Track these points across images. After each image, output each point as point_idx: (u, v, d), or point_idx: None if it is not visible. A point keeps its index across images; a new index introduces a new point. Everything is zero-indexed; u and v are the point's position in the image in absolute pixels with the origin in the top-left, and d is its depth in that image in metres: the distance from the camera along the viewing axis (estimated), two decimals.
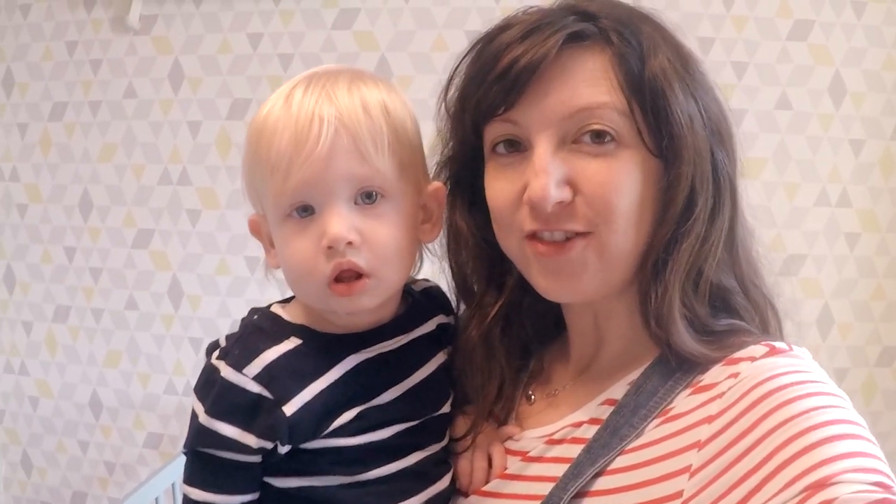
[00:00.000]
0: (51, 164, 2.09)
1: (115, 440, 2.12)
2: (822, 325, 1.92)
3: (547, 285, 0.70)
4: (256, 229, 0.74)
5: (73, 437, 2.15)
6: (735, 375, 0.63)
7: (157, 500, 1.65)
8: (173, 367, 2.07)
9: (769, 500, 0.54)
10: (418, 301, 0.78)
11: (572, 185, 0.65)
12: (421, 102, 0.75)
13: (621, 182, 0.65)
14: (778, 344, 0.66)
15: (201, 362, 2.33)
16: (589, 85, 0.65)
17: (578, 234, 0.66)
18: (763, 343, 0.66)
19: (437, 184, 0.75)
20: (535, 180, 0.64)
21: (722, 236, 0.68)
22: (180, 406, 2.09)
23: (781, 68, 1.90)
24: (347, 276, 0.66)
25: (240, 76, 1.99)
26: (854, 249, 1.94)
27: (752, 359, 0.64)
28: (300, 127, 0.64)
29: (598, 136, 0.65)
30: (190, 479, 0.69)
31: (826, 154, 1.92)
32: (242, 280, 2.04)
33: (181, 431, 2.11)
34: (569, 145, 0.66)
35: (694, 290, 0.67)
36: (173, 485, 1.71)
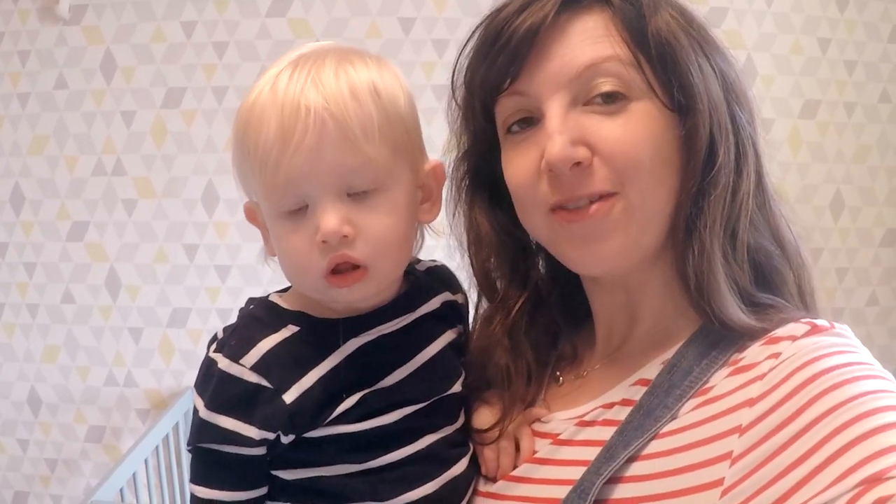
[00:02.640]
0: None
1: (55, 436, 2.08)
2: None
3: (577, 255, 0.67)
4: (252, 216, 0.72)
5: (11, 436, 2.10)
6: (776, 356, 0.59)
7: (121, 491, 1.64)
8: (113, 359, 2.05)
9: (819, 493, 0.50)
10: (420, 280, 0.76)
11: (589, 145, 0.63)
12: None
13: (638, 136, 0.63)
14: (819, 321, 0.62)
15: (141, 353, 2.32)
16: (591, 43, 0.64)
17: (602, 197, 0.64)
18: (803, 321, 0.62)
19: (434, 161, 0.72)
20: (550, 143, 0.62)
21: (751, 190, 0.65)
22: (121, 397, 2.07)
23: None
24: (344, 268, 0.64)
25: (174, 65, 1.99)
26: None
27: (794, 338, 0.60)
28: (286, 118, 0.61)
29: (609, 97, 0.63)
30: (196, 477, 0.67)
31: None
32: (181, 268, 2.04)
33: (124, 422, 2.09)
34: (580, 107, 0.64)
35: (732, 251, 0.64)
36: (134, 475, 1.72)
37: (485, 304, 0.79)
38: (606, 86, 0.63)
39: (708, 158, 0.63)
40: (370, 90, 0.64)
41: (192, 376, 2.24)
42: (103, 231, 2.03)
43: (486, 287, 0.77)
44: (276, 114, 0.61)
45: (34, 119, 2.02)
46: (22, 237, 2.05)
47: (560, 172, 0.63)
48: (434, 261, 0.80)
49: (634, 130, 0.63)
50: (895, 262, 2.15)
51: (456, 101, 0.73)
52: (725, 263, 0.64)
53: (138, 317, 2.05)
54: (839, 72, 2.06)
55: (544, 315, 0.77)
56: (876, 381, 0.56)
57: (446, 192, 0.75)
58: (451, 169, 0.75)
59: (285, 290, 0.73)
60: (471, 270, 0.77)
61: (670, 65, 0.63)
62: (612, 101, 0.63)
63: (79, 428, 2.08)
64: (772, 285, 0.68)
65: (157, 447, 1.86)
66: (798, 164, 2.08)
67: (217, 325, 2.19)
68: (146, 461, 1.79)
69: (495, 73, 0.66)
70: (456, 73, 0.72)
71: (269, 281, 2.05)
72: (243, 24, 1.98)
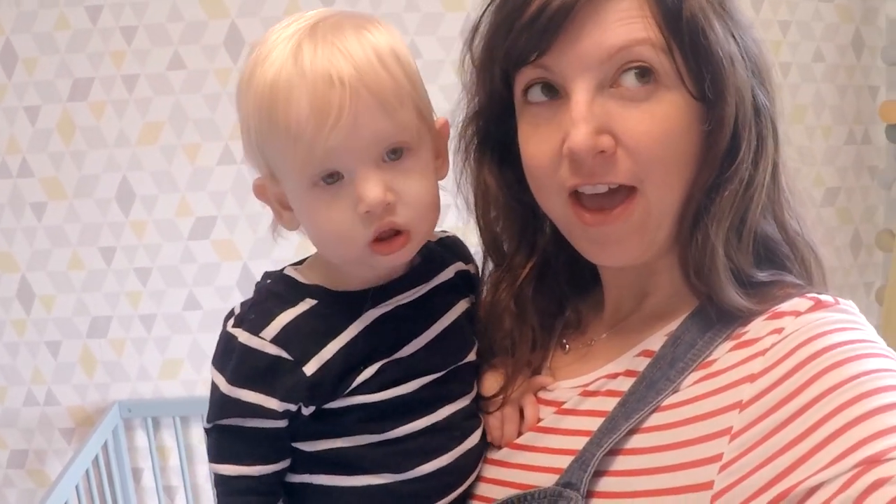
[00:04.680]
0: None
1: None
2: None
3: (594, 252, 0.68)
4: (262, 192, 0.70)
5: None
6: (779, 331, 0.59)
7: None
8: (31, 376, 1.90)
9: (818, 472, 0.50)
10: (433, 250, 0.76)
11: (613, 134, 0.61)
12: None
13: (663, 130, 0.61)
14: (823, 297, 0.62)
15: (61, 367, 2.17)
16: (625, 23, 0.61)
17: (622, 196, 0.63)
18: (808, 296, 0.62)
19: (442, 119, 0.72)
20: (574, 130, 0.61)
21: (766, 180, 0.64)
22: (43, 417, 1.91)
23: None
24: (387, 235, 0.65)
25: (80, 53, 1.84)
26: None
27: (797, 313, 0.60)
28: (319, 92, 0.60)
29: (640, 75, 0.61)
30: (218, 455, 0.67)
31: None
32: (98, 273, 1.90)
33: (48, 444, 1.94)
34: (607, 90, 0.62)
35: (737, 239, 0.64)
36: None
37: (490, 268, 0.79)
38: (637, 63, 0.61)
39: (728, 152, 0.63)
40: (393, 55, 0.64)
41: (117, 389, 2.11)
42: (11, 239, 1.88)
43: (493, 249, 0.78)
44: (307, 89, 0.60)
45: None
46: None
47: (582, 161, 0.62)
48: (445, 231, 0.81)
49: (661, 123, 0.62)
50: (836, 221, 2.15)
51: (473, 62, 0.71)
52: (728, 252, 0.64)
53: (55, 329, 1.90)
54: (773, 32, 2.04)
55: (551, 281, 0.78)
56: (879, 360, 0.55)
57: (454, 151, 0.75)
58: (460, 128, 0.75)
59: (300, 263, 0.74)
60: (478, 232, 0.77)
61: (703, 54, 0.61)
62: (642, 80, 0.62)
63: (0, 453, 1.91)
64: (777, 267, 0.67)
65: (87, 471, 1.72)
66: None
67: (141, 332, 2.06)
68: (77, 487, 1.64)
69: (522, 45, 0.63)
70: (478, 35, 0.70)
71: (193, 282, 1.92)
72: (152, 5, 1.85)
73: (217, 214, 1.91)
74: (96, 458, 1.79)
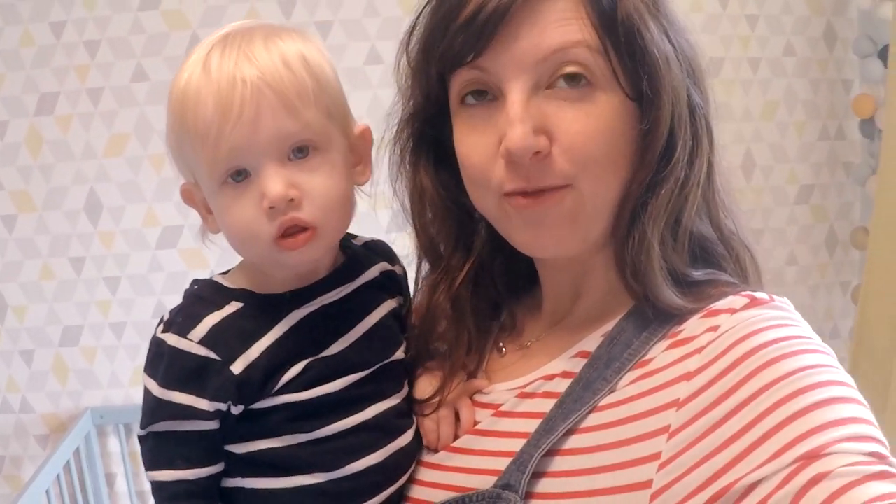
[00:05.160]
0: None
1: None
2: None
3: (527, 240, 0.67)
4: (190, 197, 0.73)
5: None
6: (714, 329, 0.60)
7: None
8: (6, 384, 1.94)
9: (756, 468, 0.50)
10: (358, 252, 0.78)
11: (548, 133, 0.62)
12: (356, 71, 0.71)
13: (599, 129, 0.62)
14: (759, 294, 0.62)
15: (35, 376, 2.21)
16: (560, 25, 0.61)
17: (556, 187, 0.63)
18: (742, 294, 0.62)
19: (362, 125, 0.74)
20: (511, 129, 0.61)
21: (701, 180, 0.65)
22: (18, 424, 1.96)
23: None
24: (293, 231, 0.66)
25: (45, 69, 1.88)
26: None
27: (732, 311, 0.60)
28: (223, 93, 0.63)
29: (573, 79, 0.62)
30: (154, 462, 0.69)
31: None
32: (69, 283, 1.93)
33: (24, 450, 1.98)
34: (543, 91, 0.62)
35: (673, 239, 0.64)
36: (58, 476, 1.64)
37: (426, 271, 0.79)
38: (571, 68, 0.62)
39: (664, 152, 0.63)
40: (301, 59, 0.66)
41: (89, 396, 2.14)
42: None
43: (429, 252, 0.77)
44: (212, 91, 0.63)
45: None
46: None
47: (519, 161, 0.62)
48: (373, 237, 0.83)
49: (597, 122, 0.62)
50: (810, 219, 2.11)
51: (409, 63, 0.72)
52: (664, 251, 0.64)
53: (28, 338, 1.94)
54: (741, 27, 2.00)
55: (487, 283, 0.78)
56: (814, 356, 0.55)
57: (391, 154, 0.76)
58: (395, 130, 0.75)
59: (227, 273, 0.75)
60: (414, 235, 0.77)
61: (638, 54, 0.61)
62: (576, 85, 0.62)
63: None
64: (712, 267, 0.68)
65: (58, 475, 1.75)
66: None
67: (112, 340, 2.08)
68: (48, 492, 1.68)
69: (458, 47, 0.63)
70: (414, 37, 0.70)
71: (161, 290, 1.95)
72: (115, 19, 1.88)
73: (184, 224, 1.94)
74: (68, 463, 1.82)
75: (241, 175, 0.66)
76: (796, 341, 0.57)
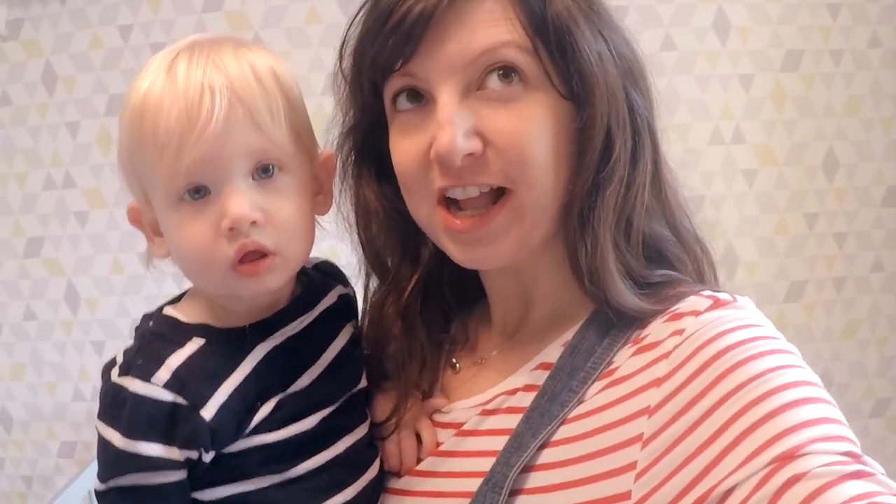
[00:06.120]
0: None
1: (29, 453, 2.08)
2: (727, 265, 1.88)
3: (462, 256, 0.66)
4: (136, 218, 0.69)
5: None
6: (679, 332, 0.59)
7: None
8: (78, 373, 2.04)
9: (731, 473, 0.50)
10: (312, 277, 0.74)
11: (482, 136, 0.61)
12: (301, 78, 0.70)
13: (533, 130, 0.61)
14: (721, 295, 0.62)
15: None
16: (488, 26, 0.61)
17: (494, 197, 0.62)
18: (705, 294, 0.62)
19: (326, 152, 0.71)
20: (440, 132, 0.60)
21: (647, 180, 0.64)
22: (90, 412, 2.05)
23: (663, 9, 1.85)
24: (252, 257, 0.62)
25: (114, 70, 1.94)
26: (753, 186, 1.90)
27: (696, 313, 0.60)
28: (190, 100, 0.59)
29: (504, 76, 0.61)
30: None
31: (716, 92, 1.88)
32: (137, 277, 2.00)
33: (94, 437, 2.07)
34: (474, 93, 0.62)
35: (626, 241, 0.64)
36: (89, 492, 1.67)
37: (374, 287, 0.77)
38: (501, 63, 0.61)
39: (604, 151, 0.62)
40: (271, 74, 0.63)
41: None
42: (58, 245, 2.01)
43: (376, 266, 0.76)
44: (178, 98, 0.59)
45: None
46: None
47: (450, 164, 0.61)
48: (317, 257, 0.78)
49: (529, 122, 0.61)
50: None
51: (343, 75, 0.71)
52: (619, 255, 0.63)
53: (99, 330, 2.03)
54: (822, 16, 1.86)
55: (437, 295, 0.76)
56: (781, 356, 0.55)
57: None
58: (335, 144, 0.74)
59: (177, 300, 0.70)
60: (360, 249, 0.76)
61: (569, 53, 0.61)
62: (507, 81, 0.61)
63: (51, 444, 2.07)
64: (668, 267, 0.67)
65: None
66: (784, 121, 1.89)
67: None
68: None
69: (387, 53, 0.63)
70: (345, 45, 0.69)
71: None
72: (179, 21, 1.92)
73: None
74: None
75: (199, 192, 0.61)
76: (763, 342, 0.56)
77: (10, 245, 2.02)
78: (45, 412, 2.07)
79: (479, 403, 0.69)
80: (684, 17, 1.86)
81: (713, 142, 1.88)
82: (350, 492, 0.67)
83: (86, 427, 2.06)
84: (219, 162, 0.60)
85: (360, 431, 0.70)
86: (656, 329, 0.61)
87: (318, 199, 0.70)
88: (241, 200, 0.60)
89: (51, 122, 1.97)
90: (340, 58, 0.70)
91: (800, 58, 1.88)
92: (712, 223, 1.87)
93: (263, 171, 0.62)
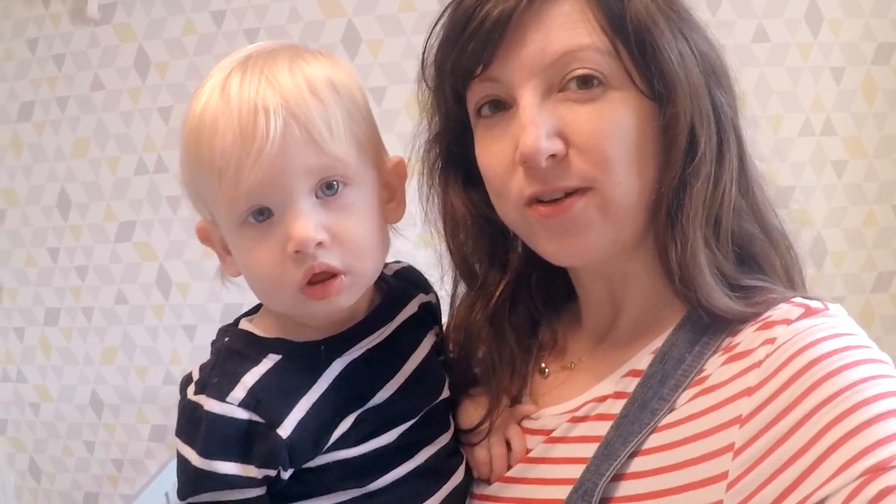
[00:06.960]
0: (24, 165, 2.05)
1: (120, 437, 2.10)
2: (815, 256, 1.91)
3: (553, 248, 0.65)
4: (206, 236, 0.68)
5: (77, 438, 2.13)
6: (771, 341, 0.58)
7: (166, 495, 1.63)
8: (170, 357, 2.05)
9: (823, 484, 0.49)
10: (392, 285, 0.73)
11: (563, 136, 0.61)
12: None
13: (614, 128, 0.61)
14: (813, 303, 0.61)
15: (196, 350, 2.28)
16: (567, 29, 0.61)
17: (577, 191, 0.62)
18: (796, 302, 0.61)
19: (396, 157, 0.70)
20: (524, 134, 0.60)
21: (734, 177, 0.64)
22: None
23: (756, 0, 1.86)
24: (320, 278, 0.60)
25: (207, 56, 1.94)
26: (842, 177, 1.92)
27: (788, 321, 0.59)
28: (243, 122, 0.57)
29: (585, 82, 0.61)
30: None
31: (807, 84, 1.89)
32: None
33: None
34: (555, 95, 0.62)
35: (716, 239, 0.63)
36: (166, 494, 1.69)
37: (461, 293, 0.77)
38: (581, 70, 0.61)
39: (688, 148, 0.62)
40: (329, 85, 0.61)
41: None
42: (150, 230, 2.02)
43: (465, 272, 0.75)
44: (231, 120, 0.57)
45: (74, 122, 2.01)
46: (72, 241, 2.05)
47: (535, 165, 0.61)
48: (398, 262, 0.77)
49: (610, 121, 0.61)
50: None
51: (426, 83, 0.71)
52: (709, 253, 0.63)
53: (191, 314, 2.04)
54: None
55: (525, 300, 0.76)
56: (873, 366, 0.55)
57: (420, 176, 0.73)
58: (422, 151, 0.74)
59: (254, 311, 0.69)
60: (449, 256, 0.75)
61: (649, 52, 0.61)
62: (588, 86, 0.61)
63: (142, 428, 2.09)
64: (758, 269, 0.67)
65: None
66: (874, 113, 1.91)
67: None
68: None
69: (467, 58, 0.63)
70: (426, 54, 0.69)
71: None
72: (273, 7, 1.92)
73: None
74: None
75: (263, 214, 0.59)
76: (855, 351, 0.55)
77: (101, 230, 2.03)
78: (136, 396, 2.08)
79: (569, 410, 0.68)
80: (777, 8, 1.87)
81: (803, 133, 1.90)
82: (433, 501, 0.67)
83: (176, 411, 2.08)
84: (279, 184, 0.58)
85: (442, 440, 0.69)
86: (748, 337, 0.61)
87: (391, 206, 0.68)
88: (305, 222, 0.58)
89: (143, 107, 1.97)
90: (423, 66, 0.70)
91: (891, 51, 1.90)
92: (802, 213, 1.90)
93: (328, 189, 0.60)
